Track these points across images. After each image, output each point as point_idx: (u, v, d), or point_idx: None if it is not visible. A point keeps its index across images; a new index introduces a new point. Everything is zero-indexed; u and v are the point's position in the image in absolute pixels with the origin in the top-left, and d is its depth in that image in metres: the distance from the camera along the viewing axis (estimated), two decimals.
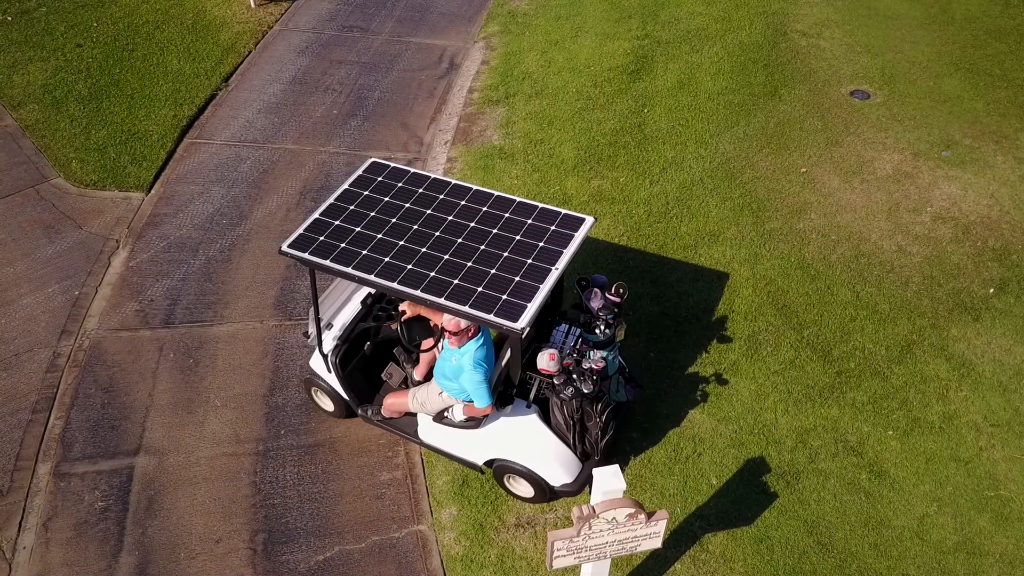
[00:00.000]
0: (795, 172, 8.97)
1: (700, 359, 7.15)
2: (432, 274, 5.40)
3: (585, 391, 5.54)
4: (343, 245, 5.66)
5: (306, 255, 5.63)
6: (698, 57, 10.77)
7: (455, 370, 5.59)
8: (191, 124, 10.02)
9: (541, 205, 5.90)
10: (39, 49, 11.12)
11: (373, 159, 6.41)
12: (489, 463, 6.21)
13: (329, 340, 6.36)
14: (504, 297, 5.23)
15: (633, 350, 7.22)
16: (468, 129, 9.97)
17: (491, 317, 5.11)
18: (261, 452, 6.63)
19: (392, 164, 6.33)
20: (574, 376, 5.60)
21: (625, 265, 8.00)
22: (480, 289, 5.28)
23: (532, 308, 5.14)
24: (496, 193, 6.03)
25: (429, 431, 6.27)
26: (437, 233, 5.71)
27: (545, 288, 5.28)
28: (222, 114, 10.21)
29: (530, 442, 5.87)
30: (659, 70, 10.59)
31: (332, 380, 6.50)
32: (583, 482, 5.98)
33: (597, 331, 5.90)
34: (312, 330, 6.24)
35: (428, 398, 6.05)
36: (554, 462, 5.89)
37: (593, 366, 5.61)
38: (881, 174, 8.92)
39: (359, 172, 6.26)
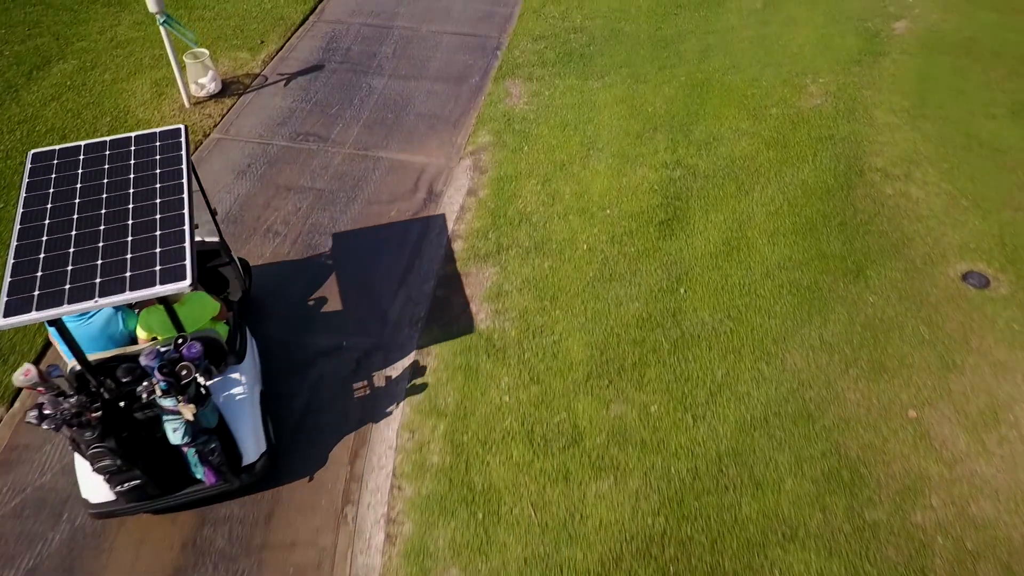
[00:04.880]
0: (900, 415, 6.39)
1: None
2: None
3: (59, 417, 4.99)
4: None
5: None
6: (748, 203, 8.23)
7: None
8: None
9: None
10: None
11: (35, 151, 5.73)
12: None
13: None
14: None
15: None
16: (446, 301, 7.45)
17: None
18: None
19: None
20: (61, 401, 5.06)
21: (663, 571, 5.47)
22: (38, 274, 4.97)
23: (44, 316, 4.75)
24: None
25: None
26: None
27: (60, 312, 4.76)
28: None
29: None
30: (697, 221, 8.06)
31: None
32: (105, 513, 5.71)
33: (138, 388, 5.23)
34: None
35: None
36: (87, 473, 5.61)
37: (64, 406, 5.01)
38: None
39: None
